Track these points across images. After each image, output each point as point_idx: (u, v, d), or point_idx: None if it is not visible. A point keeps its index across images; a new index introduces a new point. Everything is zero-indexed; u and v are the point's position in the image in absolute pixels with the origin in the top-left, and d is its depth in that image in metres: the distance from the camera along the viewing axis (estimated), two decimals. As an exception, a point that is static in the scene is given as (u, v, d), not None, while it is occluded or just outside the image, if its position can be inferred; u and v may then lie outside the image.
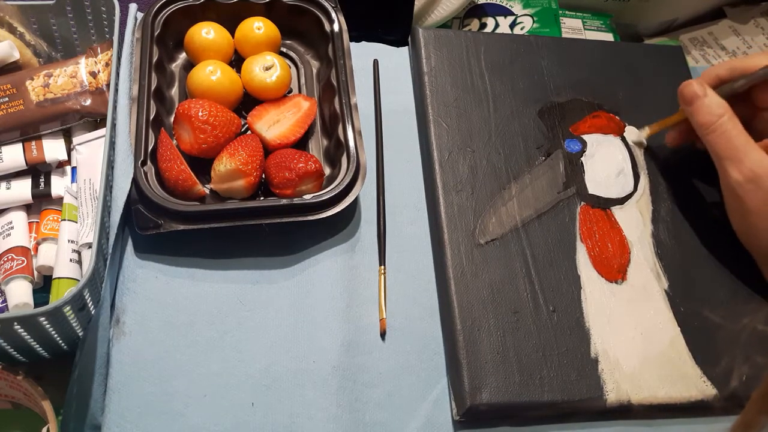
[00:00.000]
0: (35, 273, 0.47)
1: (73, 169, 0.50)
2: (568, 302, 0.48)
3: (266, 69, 0.52)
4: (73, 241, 0.46)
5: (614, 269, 0.50)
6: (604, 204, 0.53)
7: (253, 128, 0.50)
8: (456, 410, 0.44)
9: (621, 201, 0.53)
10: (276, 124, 0.51)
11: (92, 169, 0.48)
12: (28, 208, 0.49)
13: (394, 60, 0.60)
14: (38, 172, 0.49)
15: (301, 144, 0.52)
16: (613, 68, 0.60)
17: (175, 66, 0.55)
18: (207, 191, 0.49)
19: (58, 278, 0.45)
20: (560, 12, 0.69)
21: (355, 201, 0.50)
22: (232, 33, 0.54)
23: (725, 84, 0.50)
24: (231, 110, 0.50)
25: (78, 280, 0.45)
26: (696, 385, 0.46)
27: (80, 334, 0.43)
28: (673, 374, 0.46)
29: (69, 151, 0.51)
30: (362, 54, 0.59)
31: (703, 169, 0.54)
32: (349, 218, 0.51)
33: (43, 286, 0.47)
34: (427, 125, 0.54)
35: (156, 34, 0.53)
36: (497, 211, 0.51)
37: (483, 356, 0.44)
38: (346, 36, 0.55)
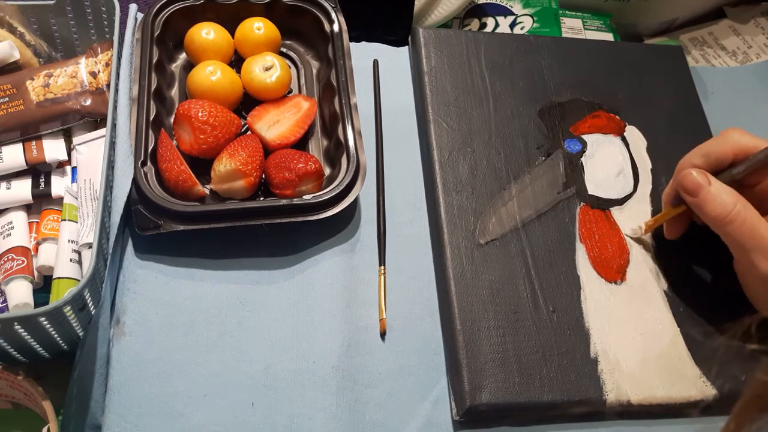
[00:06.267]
0: (35, 273, 0.47)
1: (73, 169, 0.50)
2: (568, 303, 0.48)
3: (266, 69, 0.52)
4: (73, 241, 0.46)
5: (614, 270, 0.50)
6: (604, 204, 0.53)
7: (253, 128, 0.50)
8: (456, 410, 0.44)
9: (621, 202, 0.53)
10: (276, 124, 0.51)
11: (92, 169, 0.48)
12: (28, 208, 0.49)
13: (394, 60, 0.60)
14: (38, 172, 0.49)
15: (301, 144, 0.52)
16: (613, 68, 0.60)
17: (175, 66, 0.55)
18: (207, 191, 0.49)
19: (58, 278, 0.45)
20: (560, 12, 0.69)
21: (355, 201, 0.50)
22: (232, 33, 0.54)
23: (721, 171, 0.46)
24: (231, 110, 0.50)
25: (78, 280, 0.45)
26: (695, 385, 0.46)
27: (80, 334, 0.43)
28: (673, 374, 0.46)
29: (69, 151, 0.51)
30: (362, 54, 0.59)
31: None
32: (348, 218, 0.51)
33: (43, 286, 0.47)
34: (427, 125, 0.54)
35: (156, 34, 0.53)
36: (497, 212, 0.51)
37: (483, 356, 0.44)
38: (346, 36, 0.55)
